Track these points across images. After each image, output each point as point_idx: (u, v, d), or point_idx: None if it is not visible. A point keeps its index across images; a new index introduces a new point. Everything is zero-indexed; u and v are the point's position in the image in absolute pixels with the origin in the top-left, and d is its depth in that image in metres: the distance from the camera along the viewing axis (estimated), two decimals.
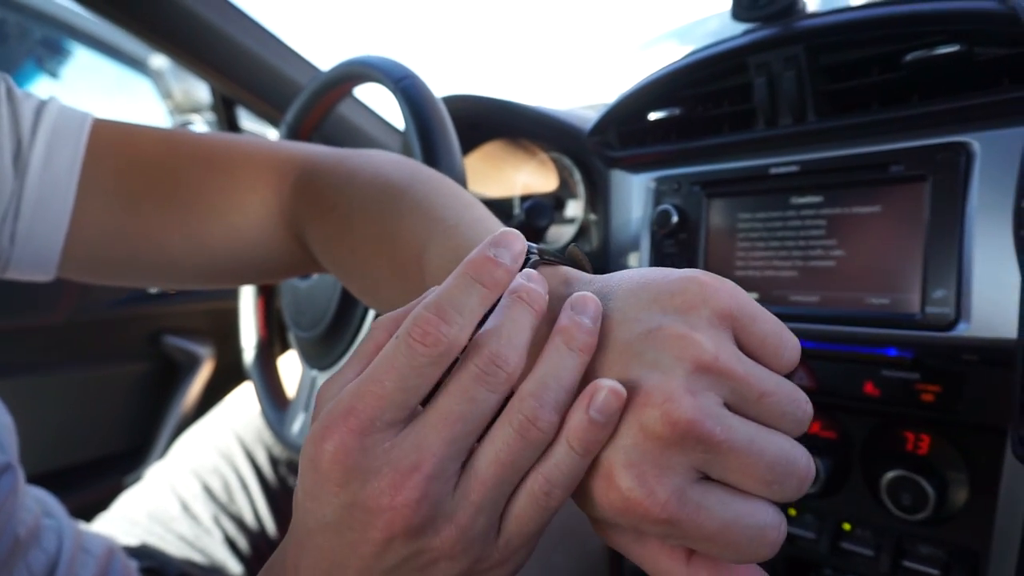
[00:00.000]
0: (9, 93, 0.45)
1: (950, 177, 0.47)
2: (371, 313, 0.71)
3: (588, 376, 0.26)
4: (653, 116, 0.64)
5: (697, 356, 0.25)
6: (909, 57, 0.48)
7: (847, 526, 0.55)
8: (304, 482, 0.26)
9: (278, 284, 0.87)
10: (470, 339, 0.25)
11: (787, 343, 0.27)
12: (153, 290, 1.14)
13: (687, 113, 0.63)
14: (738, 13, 0.57)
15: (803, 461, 0.26)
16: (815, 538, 0.56)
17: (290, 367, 0.95)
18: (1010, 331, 0.44)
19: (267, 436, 0.91)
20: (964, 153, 0.47)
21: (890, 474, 0.53)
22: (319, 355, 0.77)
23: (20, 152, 0.45)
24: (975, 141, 0.47)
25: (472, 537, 0.26)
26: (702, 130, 0.63)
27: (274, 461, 0.91)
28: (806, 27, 0.53)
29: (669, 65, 0.63)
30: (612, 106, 0.66)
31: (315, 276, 0.76)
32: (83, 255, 0.47)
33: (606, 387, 0.25)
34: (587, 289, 0.28)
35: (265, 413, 0.83)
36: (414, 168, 0.44)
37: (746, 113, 0.59)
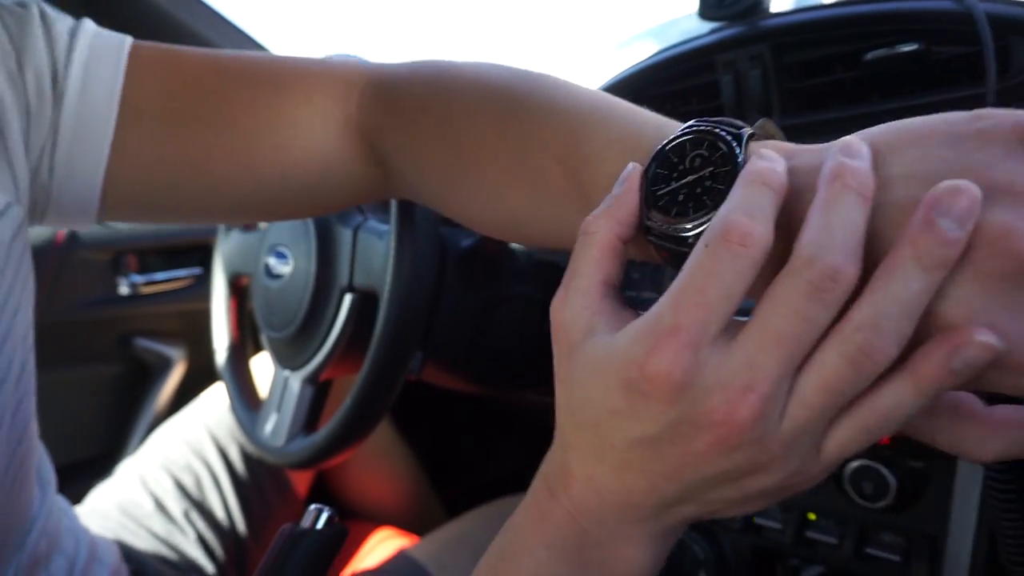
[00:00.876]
0: (42, 14, 0.42)
1: None
2: (344, 310, 0.71)
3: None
4: None
5: (1015, 187, 0.22)
6: (870, 55, 0.49)
7: (812, 516, 0.57)
8: (611, 399, 0.26)
9: (249, 285, 0.87)
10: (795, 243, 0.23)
11: None
12: (123, 291, 1.12)
13: (655, 111, 0.64)
14: (704, 12, 0.57)
15: None
16: (781, 528, 0.57)
17: (262, 368, 0.94)
18: None
19: (241, 433, 0.91)
20: None
21: (853, 463, 0.54)
22: (291, 355, 0.76)
23: (56, 76, 0.42)
24: None
25: (792, 455, 0.25)
26: None
27: (247, 458, 0.90)
28: (771, 26, 0.54)
29: (637, 63, 0.63)
30: None
31: (286, 275, 0.76)
32: (123, 188, 0.44)
33: (981, 342, 0.21)
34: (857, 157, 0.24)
35: (237, 414, 0.83)
36: (516, 69, 0.40)
37: (713, 111, 0.60)
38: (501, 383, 0.85)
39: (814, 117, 0.54)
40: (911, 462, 0.52)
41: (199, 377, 1.17)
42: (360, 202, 0.49)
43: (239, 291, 0.91)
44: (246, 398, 0.84)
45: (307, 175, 0.45)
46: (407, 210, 0.62)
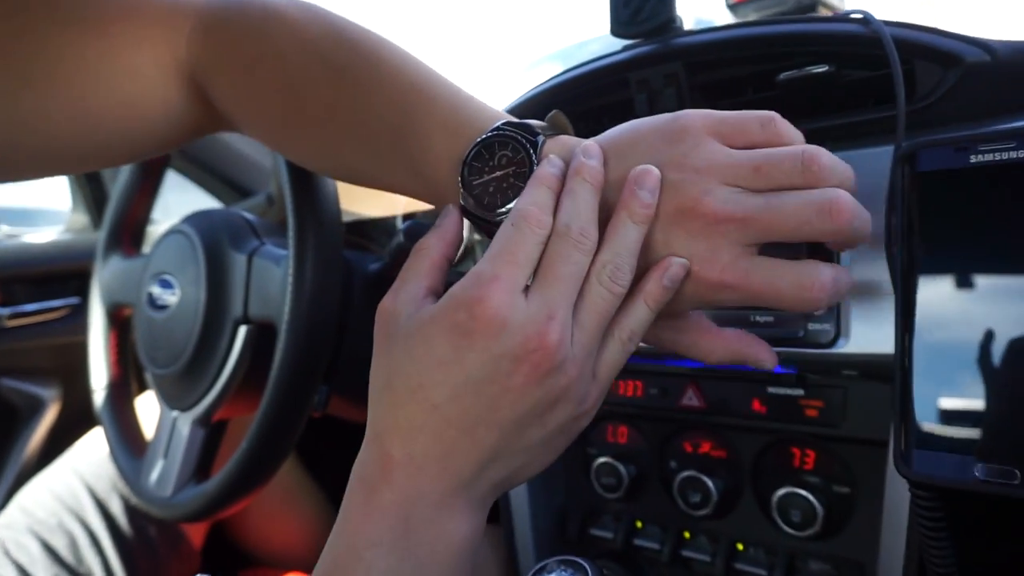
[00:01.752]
0: None
1: None
2: (238, 343, 0.65)
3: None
4: None
5: (701, 164, 0.33)
6: (782, 76, 0.49)
7: (740, 546, 0.55)
8: (436, 350, 0.31)
9: (132, 317, 0.79)
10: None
11: (753, 120, 0.35)
12: None
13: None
14: (616, 29, 0.56)
15: (817, 196, 0.33)
16: (710, 560, 0.55)
17: (148, 409, 0.86)
18: (888, 347, 0.45)
19: (123, 483, 0.82)
20: None
21: (780, 491, 0.53)
22: (180, 394, 0.69)
23: None
24: (844, 160, 0.47)
25: (583, 378, 0.33)
26: None
27: (132, 512, 0.81)
28: (684, 44, 0.53)
29: (549, 80, 0.61)
30: None
31: (172, 305, 0.69)
32: None
33: (677, 263, 0.33)
34: (594, 151, 0.35)
35: (117, 462, 0.74)
36: (340, 24, 0.42)
37: None
38: None
39: None
40: (837, 488, 0.51)
41: (75, 420, 1.06)
42: (188, 141, 0.49)
43: (120, 323, 0.82)
44: (128, 443, 0.75)
45: (146, 123, 0.44)
46: (306, 234, 0.57)
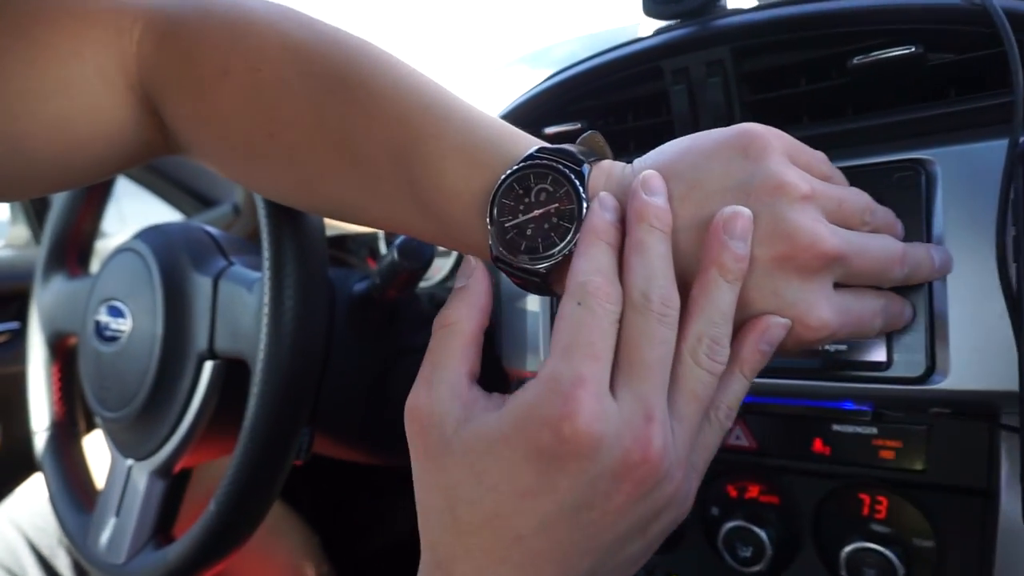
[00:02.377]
0: None
1: (909, 200, 0.40)
2: (203, 382, 0.55)
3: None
4: (550, 131, 0.54)
5: (799, 192, 0.28)
6: (856, 61, 0.41)
7: None
8: (518, 480, 0.26)
9: (76, 347, 0.68)
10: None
11: (822, 160, 0.33)
12: None
13: (590, 127, 0.53)
14: (649, 8, 0.48)
15: (895, 244, 0.33)
16: None
17: (98, 453, 0.75)
18: (991, 382, 0.38)
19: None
20: (924, 172, 0.40)
21: (849, 547, 0.45)
22: (134, 440, 0.59)
23: None
24: (934, 158, 0.40)
25: (687, 478, 0.28)
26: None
27: (80, 570, 0.71)
28: (732, 25, 0.45)
29: (569, 68, 0.53)
30: (503, 114, 0.56)
31: (124, 336, 0.58)
32: None
33: (778, 324, 0.29)
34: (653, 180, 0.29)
35: (61, 519, 0.64)
36: (321, 29, 0.35)
37: (660, 128, 0.51)
38: (406, 452, 0.71)
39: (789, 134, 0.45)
40: (918, 542, 0.44)
41: (15, 462, 0.94)
42: (136, 165, 0.41)
43: (64, 354, 0.72)
44: (75, 496, 0.65)
45: (85, 147, 0.37)
46: (284, 251, 0.48)
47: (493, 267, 0.32)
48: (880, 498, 0.46)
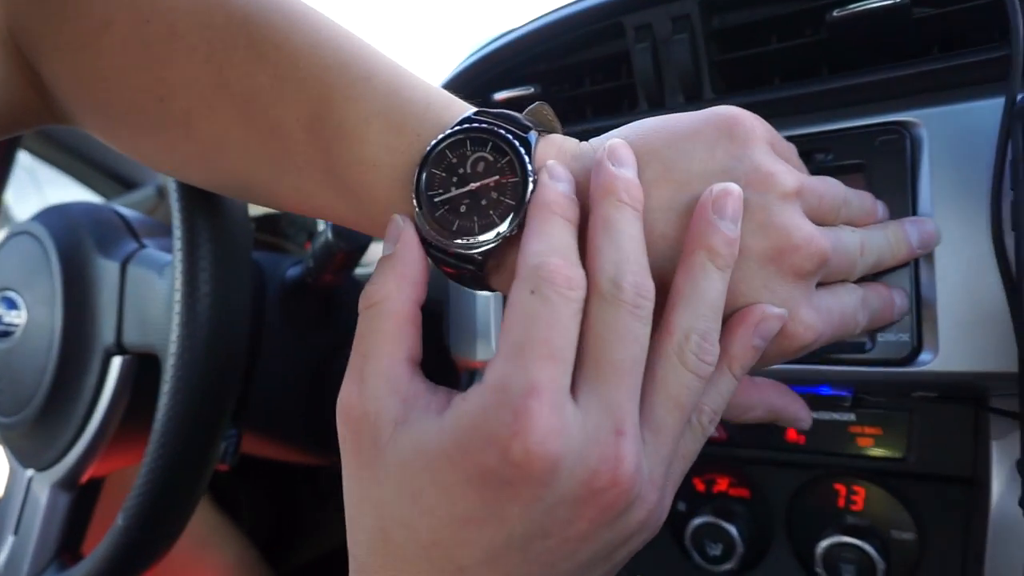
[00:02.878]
0: None
1: (894, 165, 0.37)
2: (111, 381, 0.49)
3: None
4: (500, 96, 0.49)
5: (789, 187, 0.26)
6: (836, 14, 0.37)
7: None
8: (458, 505, 0.21)
9: None
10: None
11: (793, 151, 0.30)
12: None
13: (543, 92, 0.49)
14: None
15: (889, 235, 0.32)
16: None
17: None
18: (983, 363, 0.35)
19: None
20: (908, 135, 0.37)
21: (825, 542, 0.42)
22: (33, 448, 0.52)
23: None
24: (920, 120, 0.37)
25: (662, 500, 0.24)
26: (563, 114, 0.49)
27: None
28: None
29: (518, 28, 0.48)
30: (446, 82, 0.50)
31: (17, 331, 0.52)
32: None
33: (774, 314, 0.25)
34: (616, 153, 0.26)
35: None
36: None
37: (621, 91, 0.46)
38: None
39: (752, 98, 0.42)
40: (897, 534, 0.41)
41: None
42: (15, 133, 0.35)
43: None
44: None
45: None
46: (198, 228, 0.42)
47: None
48: (857, 488, 0.43)
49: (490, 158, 0.26)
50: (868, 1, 0.37)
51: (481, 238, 0.25)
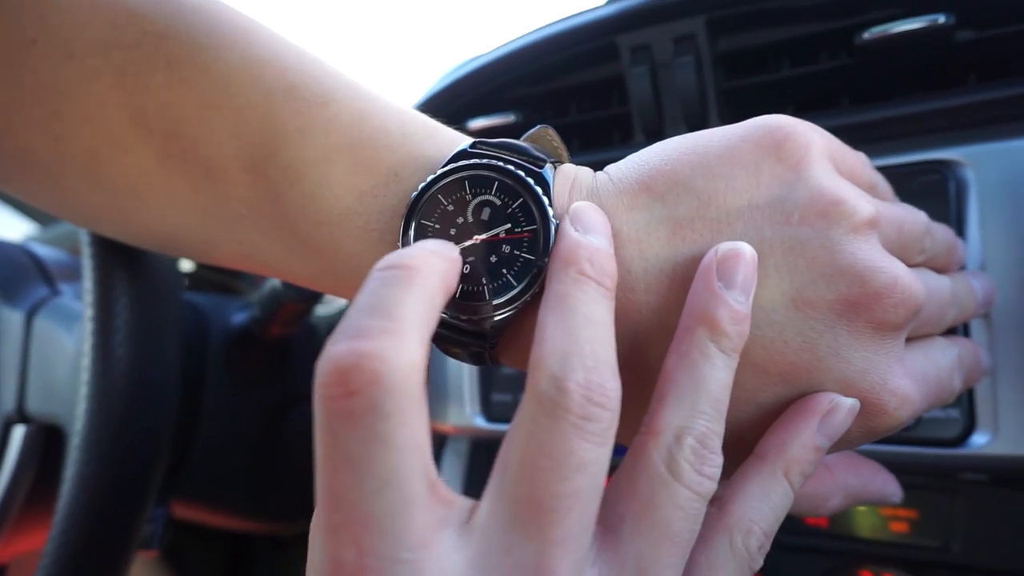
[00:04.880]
0: None
1: (935, 210, 0.31)
2: (13, 455, 0.41)
3: None
4: (476, 124, 0.43)
5: (863, 217, 0.20)
6: (867, 35, 0.32)
7: None
8: None
9: None
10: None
11: (865, 163, 0.25)
12: None
13: (524, 120, 0.43)
14: None
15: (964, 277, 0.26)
16: None
17: None
18: None
19: None
20: (952, 177, 0.32)
21: None
22: None
23: None
24: (965, 159, 0.32)
25: None
26: None
27: None
28: None
29: (497, 48, 0.42)
30: (417, 107, 0.44)
31: None
32: None
33: (843, 406, 0.20)
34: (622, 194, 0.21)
35: None
36: None
37: (613, 120, 0.41)
38: (297, 515, 0.58)
39: None
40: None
41: None
42: None
43: None
44: None
45: None
46: (112, 274, 0.35)
47: None
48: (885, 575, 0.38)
49: (497, 202, 0.21)
50: (903, 22, 0.32)
51: (495, 303, 0.20)
